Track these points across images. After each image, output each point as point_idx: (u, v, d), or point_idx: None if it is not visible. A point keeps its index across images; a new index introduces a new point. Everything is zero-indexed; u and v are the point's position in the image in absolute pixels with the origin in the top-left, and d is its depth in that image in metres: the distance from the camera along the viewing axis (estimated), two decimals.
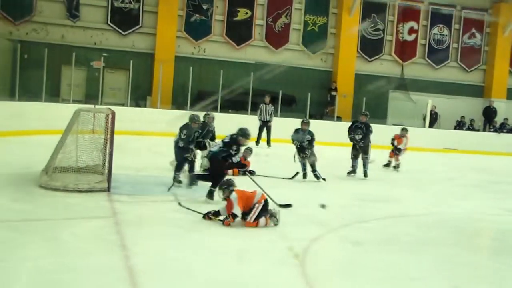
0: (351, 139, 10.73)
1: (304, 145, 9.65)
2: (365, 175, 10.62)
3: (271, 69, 18.57)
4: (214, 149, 7.73)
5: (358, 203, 8.76)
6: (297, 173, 9.64)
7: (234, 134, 7.68)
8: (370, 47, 20.70)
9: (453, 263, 5.75)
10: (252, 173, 8.88)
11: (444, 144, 18.15)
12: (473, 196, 10.06)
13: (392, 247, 6.23)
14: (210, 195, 7.43)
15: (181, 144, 8.35)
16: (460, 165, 15.20)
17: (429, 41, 21.33)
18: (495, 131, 19.71)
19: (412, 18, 21.10)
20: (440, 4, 21.20)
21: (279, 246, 5.89)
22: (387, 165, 12.32)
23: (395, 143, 12.34)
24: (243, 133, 7.62)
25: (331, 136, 15.19)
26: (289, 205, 7.32)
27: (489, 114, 20.38)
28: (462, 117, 20.18)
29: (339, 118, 18.58)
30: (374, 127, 12.11)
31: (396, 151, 12.29)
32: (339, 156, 12.45)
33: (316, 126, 16.46)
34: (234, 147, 7.55)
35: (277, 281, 4.81)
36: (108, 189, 7.63)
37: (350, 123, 11.26)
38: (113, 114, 7.80)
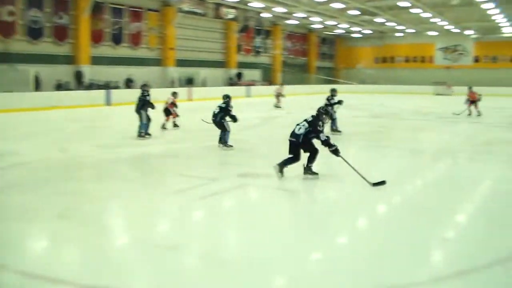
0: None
1: None
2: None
3: None
4: (301, 131, 7.75)
5: None
6: None
7: (316, 113, 7.92)
8: None
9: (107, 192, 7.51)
10: None
11: (47, 103, 21.24)
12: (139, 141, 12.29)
13: (18, 188, 7.59)
14: (310, 170, 7.88)
15: None
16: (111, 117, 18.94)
17: (27, 21, 24.15)
18: (85, 89, 25.18)
19: (10, 3, 23.22)
20: None
21: None
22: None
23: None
24: (326, 111, 8.11)
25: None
26: (383, 182, 7.23)
27: (79, 76, 25.81)
28: (59, 80, 24.70)
29: None
30: None
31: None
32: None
33: None
34: (320, 123, 7.76)
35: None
36: None
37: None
38: None
